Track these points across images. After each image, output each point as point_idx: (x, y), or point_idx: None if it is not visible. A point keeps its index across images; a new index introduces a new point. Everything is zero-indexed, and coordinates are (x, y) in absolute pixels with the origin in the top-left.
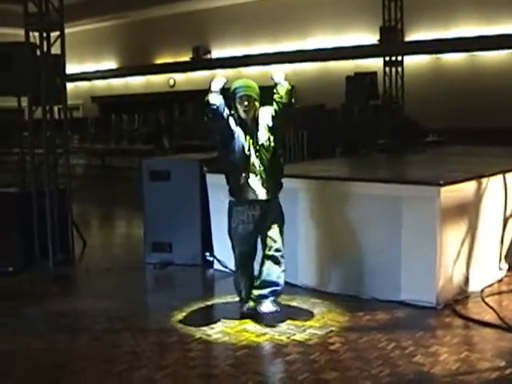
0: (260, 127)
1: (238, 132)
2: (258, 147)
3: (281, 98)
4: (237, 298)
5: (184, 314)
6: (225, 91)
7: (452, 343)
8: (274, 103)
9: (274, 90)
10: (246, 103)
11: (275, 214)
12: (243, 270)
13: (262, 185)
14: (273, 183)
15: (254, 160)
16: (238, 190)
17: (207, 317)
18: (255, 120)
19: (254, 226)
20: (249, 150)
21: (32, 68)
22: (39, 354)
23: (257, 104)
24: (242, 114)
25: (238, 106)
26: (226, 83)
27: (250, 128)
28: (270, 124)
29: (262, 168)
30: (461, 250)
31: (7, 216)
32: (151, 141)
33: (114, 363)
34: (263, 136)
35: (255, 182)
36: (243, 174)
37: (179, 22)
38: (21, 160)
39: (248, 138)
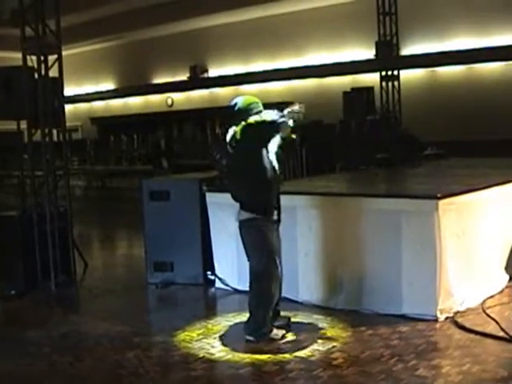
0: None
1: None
2: None
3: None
4: (240, 317)
5: (187, 333)
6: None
7: (454, 355)
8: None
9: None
10: None
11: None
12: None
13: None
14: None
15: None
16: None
17: None
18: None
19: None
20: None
21: (30, 91)
22: (42, 376)
23: None
24: None
25: None
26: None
27: None
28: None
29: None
30: (461, 261)
31: (9, 239)
32: (150, 161)
33: None
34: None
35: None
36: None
37: (176, 42)
38: (21, 183)
39: None
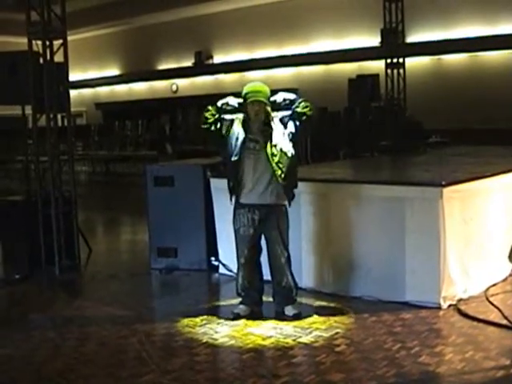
0: (273, 133)
1: (243, 136)
2: (265, 152)
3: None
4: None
5: (190, 318)
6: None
7: (457, 343)
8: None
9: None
10: (256, 108)
11: (278, 221)
12: (242, 270)
13: (265, 190)
14: (279, 189)
15: (258, 165)
16: (240, 193)
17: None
18: (266, 125)
19: (253, 230)
20: (253, 154)
21: (35, 76)
22: (46, 360)
23: (268, 108)
24: (253, 118)
25: (249, 111)
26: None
27: (259, 133)
28: (286, 133)
29: (266, 173)
30: (465, 249)
31: (13, 224)
32: (155, 147)
33: (121, 368)
34: (274, 142)
35: (257, 186)
36: (245, 178)
37: (181, 28)
38: (26, 168)
39: (254, 142)
